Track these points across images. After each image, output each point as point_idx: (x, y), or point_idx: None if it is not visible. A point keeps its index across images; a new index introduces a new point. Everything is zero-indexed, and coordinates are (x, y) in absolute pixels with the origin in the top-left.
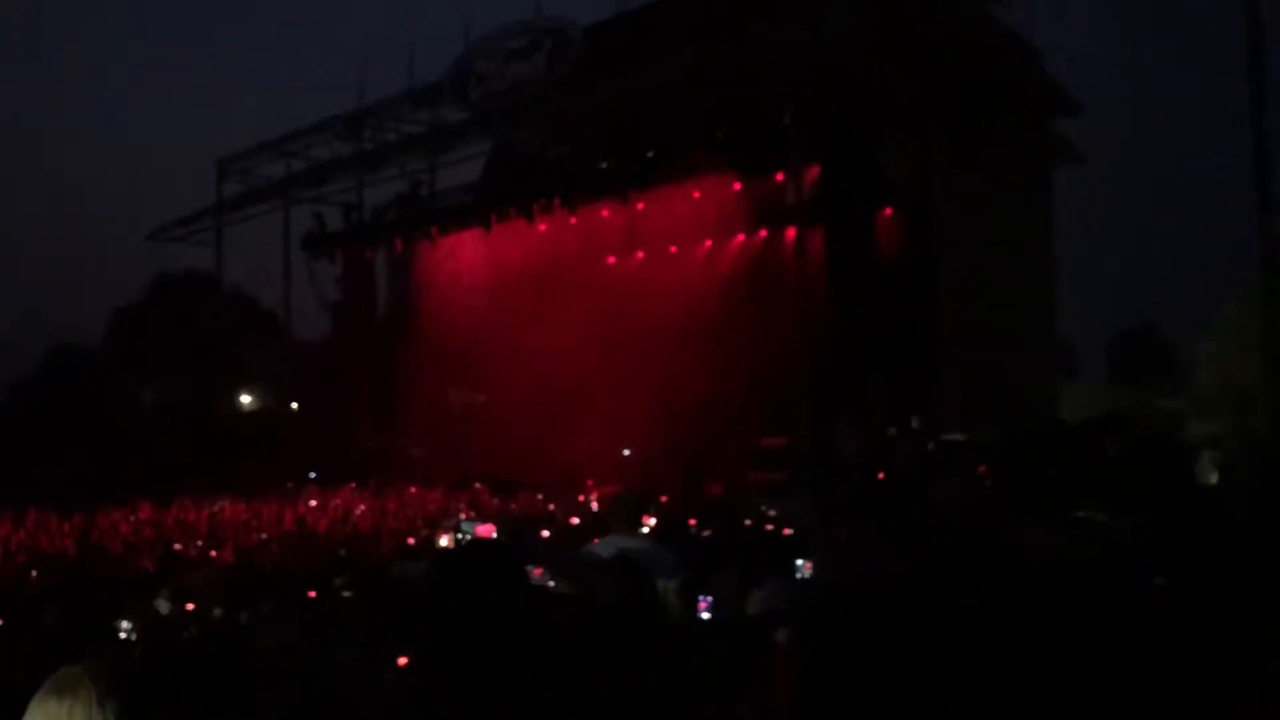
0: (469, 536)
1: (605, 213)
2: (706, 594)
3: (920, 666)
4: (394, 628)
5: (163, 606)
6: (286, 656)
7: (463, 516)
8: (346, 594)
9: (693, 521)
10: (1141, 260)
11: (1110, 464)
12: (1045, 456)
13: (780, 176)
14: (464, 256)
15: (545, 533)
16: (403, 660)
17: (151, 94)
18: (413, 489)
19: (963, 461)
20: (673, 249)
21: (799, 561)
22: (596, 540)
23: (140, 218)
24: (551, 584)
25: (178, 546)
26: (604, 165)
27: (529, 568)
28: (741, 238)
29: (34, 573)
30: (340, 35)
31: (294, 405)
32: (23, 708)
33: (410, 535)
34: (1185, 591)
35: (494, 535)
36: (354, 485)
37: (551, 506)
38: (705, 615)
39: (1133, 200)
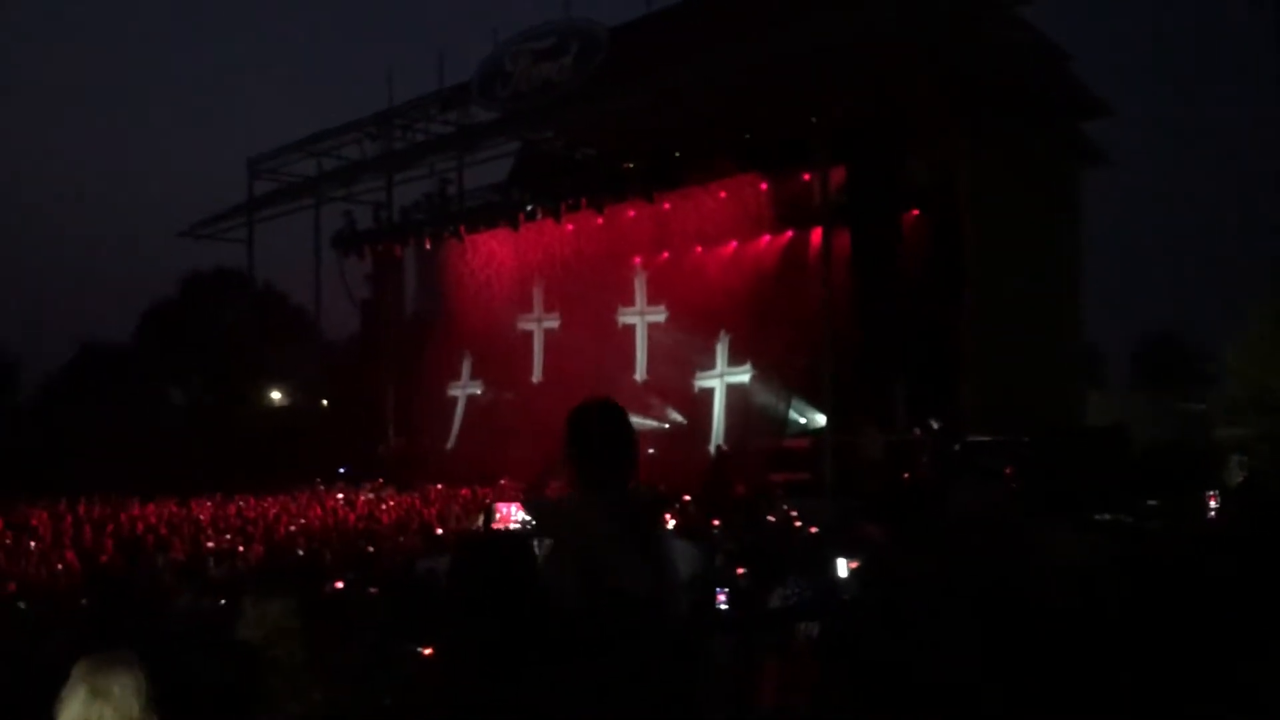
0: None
1: (631, 213)
2: (725, 586)
3: (948, 675)
4: (416, 620)
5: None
6: (274, 647)
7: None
8: (372, 589)
9: (716, 521)
10: (1169, 265)
11: (1129, 468)
12: (1069, 459)
13: (806, 177)
14: (491, 255)
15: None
16: (428, 650)
17: (185, 93)
18: (439, 485)
19: (988, 463)
20: (698, 249)
21: (840, 560)
22: None
23: (173, 215)
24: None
25: (210, 544)
26: (630, 165)
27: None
28: (767, 238)
29: (69, 563)
30: (370, 37)
31: (323, 402)
32: (55, 691)
33: (439, 526)
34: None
35: (519, 517)
36: (382, 481)
37: None
38: (724, 607)
39: (1161, 204)
